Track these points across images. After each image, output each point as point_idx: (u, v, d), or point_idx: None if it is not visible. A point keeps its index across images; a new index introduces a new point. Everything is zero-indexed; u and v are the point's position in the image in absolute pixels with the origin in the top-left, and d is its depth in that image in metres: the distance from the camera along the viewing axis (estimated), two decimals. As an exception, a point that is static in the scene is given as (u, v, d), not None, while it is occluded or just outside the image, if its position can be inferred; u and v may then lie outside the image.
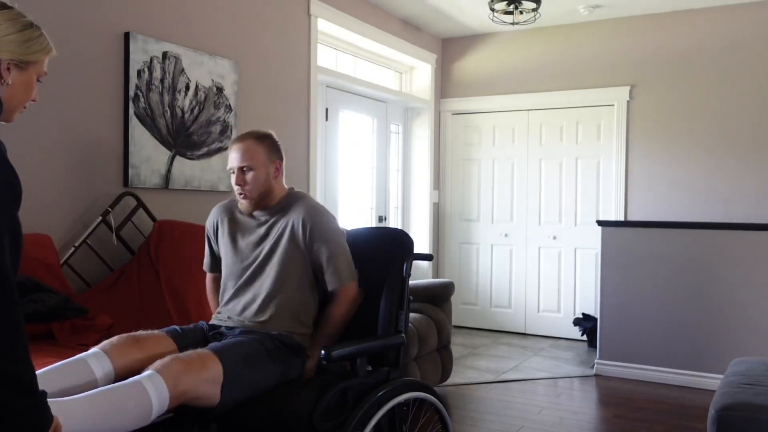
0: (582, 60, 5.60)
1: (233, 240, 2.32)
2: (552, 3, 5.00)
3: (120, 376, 1.84)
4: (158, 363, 1.78)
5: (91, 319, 2.60)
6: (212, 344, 2.02)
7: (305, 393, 1.98)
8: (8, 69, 1.35)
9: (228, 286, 2.31)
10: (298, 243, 2.22)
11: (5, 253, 1.16)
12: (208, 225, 2.43)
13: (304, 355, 2.17)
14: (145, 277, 2.96)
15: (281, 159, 2.33)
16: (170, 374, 1.75)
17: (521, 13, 4.59)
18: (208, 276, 2.51)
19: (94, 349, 1.90)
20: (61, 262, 2.87)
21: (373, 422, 1.93)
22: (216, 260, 2.44)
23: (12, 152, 2.64)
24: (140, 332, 2.04)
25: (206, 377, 1.83)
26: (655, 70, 5.34)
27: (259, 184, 2.24)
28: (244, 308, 2.23)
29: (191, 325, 2.27)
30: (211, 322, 2.29)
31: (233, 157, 2.26)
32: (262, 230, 2.28)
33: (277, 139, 2.34)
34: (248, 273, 2.26)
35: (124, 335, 1.98)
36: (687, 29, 5.23)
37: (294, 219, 2.24)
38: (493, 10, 4.61)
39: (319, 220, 2.24)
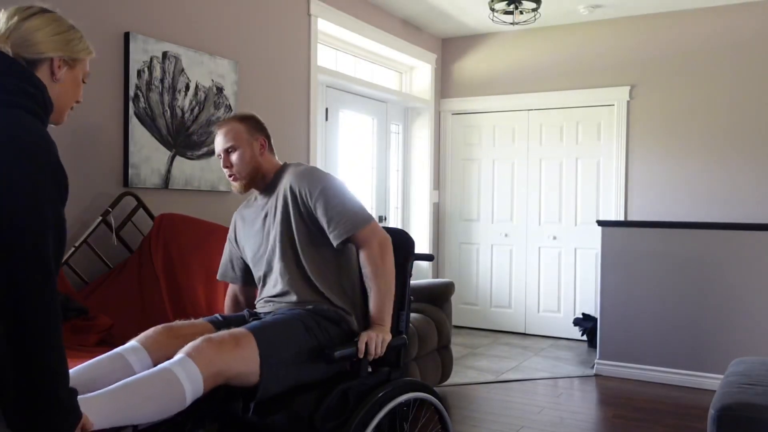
0: (582, 60, 5.60)
1: (247, 234, 2.32)
2: (552, 3, 5.00)
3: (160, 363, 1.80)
4: (188, 346, 1.75)
5: (91, 319, 2.60)
6: (248, 324, 1.98)
7: (307, 394, 1.98)
8: (59, 66, 1.42)
9: (258, 279, 2.29)
10: (297, 211, 2.14)
11: (50, 246, 1.22)
12: (230, 233, 2.42)
13: (346, 325, 2.09)
14: (145, 272, 2.96)
15: (266, 136, 2.29)
16: (201, 355, 1.71)
17: (521, 13, 4.59)
18: (230, 287, 2.48)
19: (131, 342, 1.86)
20: (61, 262, 2.86)
21: (374, 423, 1.93)
22: (227, 267, 2.41)
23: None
24: (178, 322, 2.01)
25: (241, 354, 1.79)
26: (655, 70, 5.34)
27: (245, 162, 2.22)
28: (272, 291, 2.20)
29: (234, 314, 2.24)
30: (255, 310, 2.26)
31: (217, 142, 2.25)
32: (263, 213, 2.26)
33: (260, 119, 2.32)
34: (265, 258, 2.24)
35: (160, 326, 1.94)
36: (687, 29, 5.23)
37: (284, 189, 2.19)
38: (493, 10, 4.61)
39: (307, 179, 2.15)
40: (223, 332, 1.85)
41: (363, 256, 2.12)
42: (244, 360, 1.80)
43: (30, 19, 1.39)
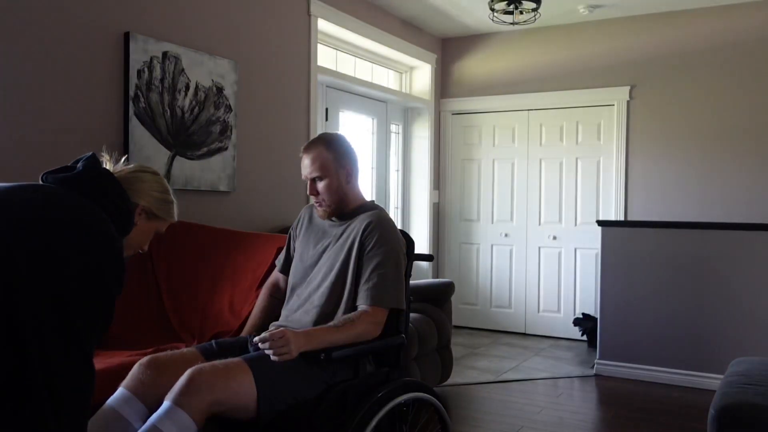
0: (582, 60, 5.60)
1: (306, 241, 2.32)
2: (552, 3, 5.00)
3: (155, 407, 1.75)
4: (175, 388, 1.71)
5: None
6: (245, 355, 1.95)
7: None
8: (140, 213, 1.72)
9: (290, 286, 2.29)
10: (355, 262, 2.13)
11: (93, 344, 1.41)
12: (293, 224, 2.43)
13: (353, 363, 2.07)
14: (143, 277, 2.96)
15: (353, 163, 2.26)
16: (189, 397, 1.68)
17: (521, 13, 4.59)
18: (273, 275, 2.47)
19: (120, 391, 1.82)
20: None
21: (373, 423, 1.93)
22: (288, 261, 2.40)
23: (11, 152, 2.65)
24: (166, 354, 1.96)
25: (234, 387, 1.77)
26: (655, 70, 5.34)
27: (331, 192, 2.20)
28: (297, 308, 2.20)
29: (233, 339, 2.21)
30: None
31: (304, 165, 2.22)
32: (332, 235, 2.25)
33: (347, 141, 2.29)
34: (310, 275, 2.23)
35: (144, 361, 1.88)
36: (687, 29, 5.23)
37: (356, 231, 2.17)
38: (493, 10, 4.60)
39: (376, 234, 2.14)
40: (216, 363, 1.82)
41: (358, 312, 2.07)
42: (238, 393, 1.77)
43: (146, 173, 1.76)
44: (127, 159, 1.85)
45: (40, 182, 1.60)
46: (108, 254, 1.45)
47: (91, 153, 1.66)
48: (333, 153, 2.21)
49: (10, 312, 1.31)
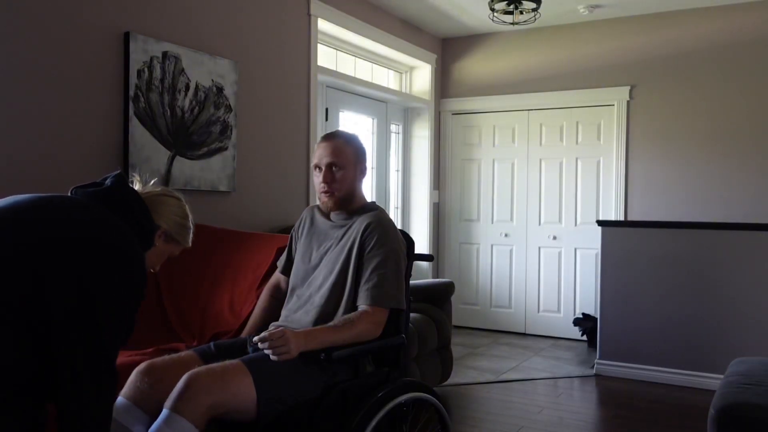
0: (582, 60, 5.60)
1: (308, 243, 2.31)
2: (552, 3, 5.00)
3: (156, 414, 1.75)
4: (173, 395, 1.71)
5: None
6: (244, 356, 1.95)
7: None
8: (159, 236, 1.78)
9: (291, 287, 2.28)
10: (355, 262, 2.13)
11: (115, 349, 1.46)
12: (295, 225, 2.43)
13: (352, 363, 2.07)
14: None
15: (365, 163, 2.29)
16: (187, 403, 1.68)
17: (521, 13, 4.59)
18: (274, 276, 2.47)
19: (120, 400, 1.81)
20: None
21: (373, 423, 1.93)
22: (289, 263, 2.40)
23: (12, 152, 2.65)
24: (163, 359, 1.95)
25: (232, 389, 1.76)
26: (655, 70, 5.34)
27: (346, 183, 2.21)
28: (297, 309, 2.20)
29: (232, 340, 2.21)
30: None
31: (322, 154, 2.22)
32: (333, 237, 2.24)
33: (362, 142, 2.32)
34: (311, 276, 2.23)
35: (141, 368, 1.88)
36: (687, 29, 5.23)
37: (358, 231, 2.17)
38: (493, 10, 4.60)
39: (376, 234, 2.14)
40: (213, 366, 1.82)
41: (359, 313, 2.08)
42: (237, 395, 1.77)
43: (170, 198, 1.82)
44: (156, 181, 1.90)
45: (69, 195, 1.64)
46: (131, 262, 1.50)
47: (118, 171, 1.71)
48: (353, 148, 2.25)
49: (40, 318, 1.35)
